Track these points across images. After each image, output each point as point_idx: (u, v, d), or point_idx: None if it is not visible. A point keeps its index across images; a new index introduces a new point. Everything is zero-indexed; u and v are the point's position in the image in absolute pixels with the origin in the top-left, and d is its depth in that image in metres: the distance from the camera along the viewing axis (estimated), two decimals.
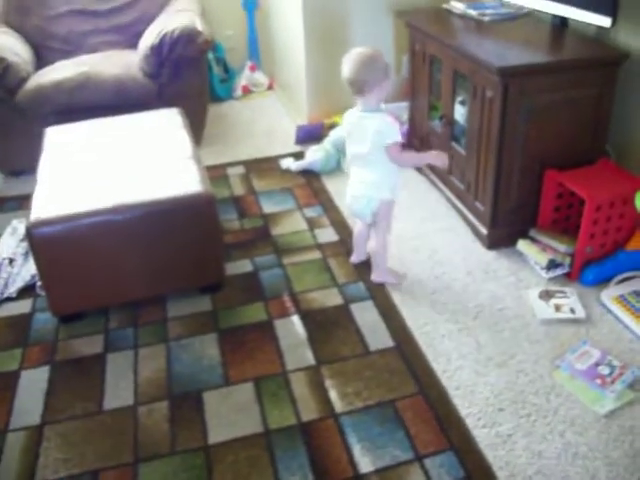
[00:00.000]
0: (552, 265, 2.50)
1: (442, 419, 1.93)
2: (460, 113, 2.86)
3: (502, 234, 2.69)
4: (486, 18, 2.99)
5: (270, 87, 4.76)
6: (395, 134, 2.27)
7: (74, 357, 2.28)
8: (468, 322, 2.33)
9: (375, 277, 2.55)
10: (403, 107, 3.54)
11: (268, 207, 3.13)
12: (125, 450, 1.91)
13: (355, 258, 2.66)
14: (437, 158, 2.43)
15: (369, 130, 2.27)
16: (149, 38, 3.54)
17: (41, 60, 3.83)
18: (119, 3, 4.01)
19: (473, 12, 3.06)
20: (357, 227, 2.62)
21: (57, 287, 2.34)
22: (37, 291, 2.59)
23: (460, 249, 2.73)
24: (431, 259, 2.68)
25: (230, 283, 2.58)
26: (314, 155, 3.39)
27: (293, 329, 2.33)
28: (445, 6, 3.27)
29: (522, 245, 2.62)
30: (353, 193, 2.45)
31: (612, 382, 2.00)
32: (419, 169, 3.35)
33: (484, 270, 2.59)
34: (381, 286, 2.52)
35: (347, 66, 2.26)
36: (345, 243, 2.78)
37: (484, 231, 2.72)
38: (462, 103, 2.84)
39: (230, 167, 3.57)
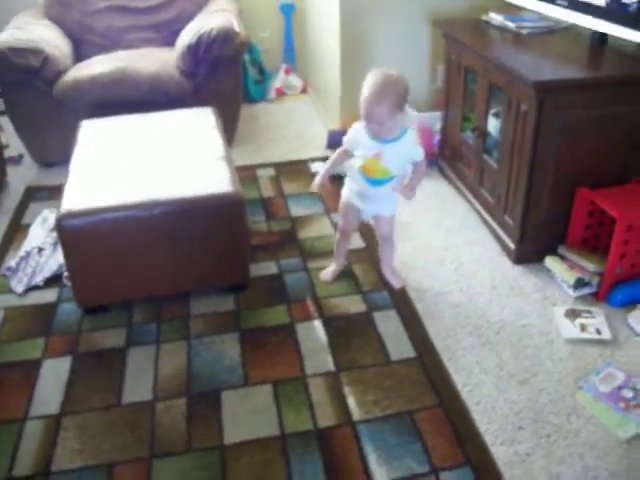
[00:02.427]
0: (580, 284, 2.47)
1: (460, 433, 1.91)
2: (493, 125, 2.84)
3: (530, 250, 2.66)
4: (524, 31, 2.97)
5: (304, 90, 4.77)
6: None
7: (96, 349, 2.30)
8: (491, 337, 2.30)
9: None
10: (436, 117, 3.52)
11: (296, 210, 3.13)
12: (141, 445, 1.91)
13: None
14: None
15: None
16: (186, 37, 3.56)
17: (80, 54, 3.89)
18: (158, 1, 4.05)
19: (511, 24, 3.03)
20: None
21: (83, 279, 2.36)
22: (63, 281, 2.62)
23: (487, 263, 2.71)
24: (457, 271, 2.66)
25: (254, 284, 2.58)
26: None
27: (314, 334, 2.32)
28: (483, 17, 3.25)
29: (550, 262, 2.59)
30: None
31: (636, 406, 1.96)
32: (449, 179, 3.34)
33: (510, 285, 2.57)
34: (405, 295, 2.51)
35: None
36: (370, 250, 2.77)
37: (512, 246, 2.69)
38: (496, 115, 2.82)
39: (260, 168, 3.58)
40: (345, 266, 2.65)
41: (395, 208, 2.46)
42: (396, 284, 2.58)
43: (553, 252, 2.62)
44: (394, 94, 2.13)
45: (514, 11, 3.21)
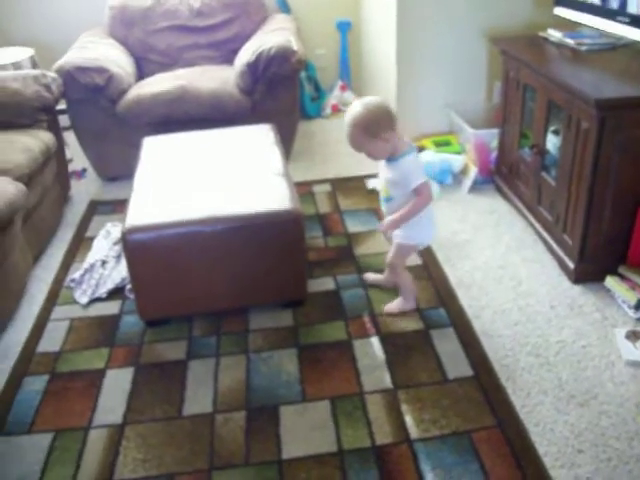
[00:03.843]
0: None
1: (519, 455, 1.89)
2: (552, 143, 2.82)
3: (590, 269, 2.62)
4: (583, 48, 2.94)
5: None
6: None
7: (158, 361, 2.35)
8: (550, 357, 2.28)
9: None
10: (493, 133, 3.50)
11: (353, 226, 3.15)
12: (201, 456, 1.95)
13: None
14: None
15: None
16: (245, 55, 3.63)
17: (141, 71, 4.01)
18: (217, 20, 4.14)
19: (570, 41, 3.01)
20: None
21: (146, 292, 2.42)
22: (126, 294, 2.69)
23: (545, 281, 2.68)
24: (515, 290, 2.64)
25: (312, 300, 2.61)
26: None
27: (372, 350, 2.33)
28: (541, 34, 3.23)
29: (610, 282, 2.55)
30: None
31: None
32: (506, 197, 3.31)
33: (569, 305, 2.53)
34: (462, 313, 2.50)
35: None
36: (428, 267, 2.77)
37: (571, 265, 2.66)
38: (555, 133, 2.80)
39: (317, 184, 3.62)
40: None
41: (404, 238, 2.38)
42: (388, 308, 2.54)
43: (613, 272, 2.58)
44: (360, 125, 2.16)
45: (573, 28, 3.18)
